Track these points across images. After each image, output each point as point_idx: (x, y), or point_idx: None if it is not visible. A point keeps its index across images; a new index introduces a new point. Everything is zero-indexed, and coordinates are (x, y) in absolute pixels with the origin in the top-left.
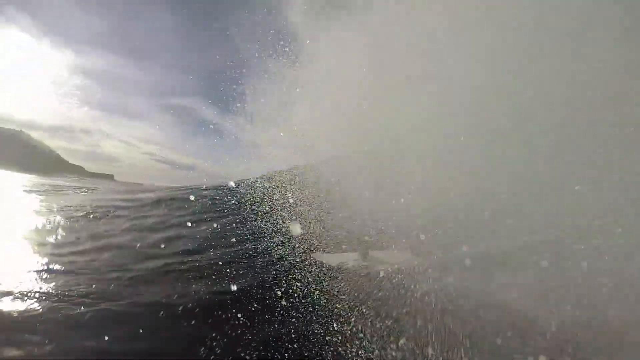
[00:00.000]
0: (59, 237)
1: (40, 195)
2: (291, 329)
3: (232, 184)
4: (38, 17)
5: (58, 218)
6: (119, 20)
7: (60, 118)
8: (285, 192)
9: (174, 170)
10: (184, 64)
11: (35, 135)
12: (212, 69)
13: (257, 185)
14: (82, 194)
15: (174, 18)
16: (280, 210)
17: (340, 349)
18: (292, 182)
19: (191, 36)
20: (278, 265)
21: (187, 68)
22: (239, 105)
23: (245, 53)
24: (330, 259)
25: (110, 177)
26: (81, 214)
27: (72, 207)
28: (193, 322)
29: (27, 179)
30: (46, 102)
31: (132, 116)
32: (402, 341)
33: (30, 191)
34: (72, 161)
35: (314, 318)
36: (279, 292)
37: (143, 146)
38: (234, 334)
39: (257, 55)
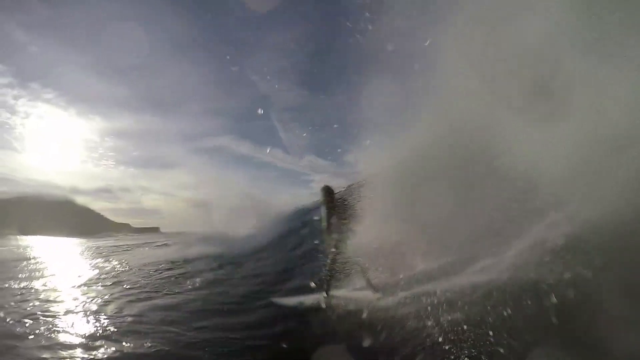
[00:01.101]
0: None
1: (113, 255)
2: None
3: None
4: (61, 90)
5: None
6: (136, 80)
7: (100, 180)
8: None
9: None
10: (210, 107)
11: (79, 199)
12: (239, 107)
13: None
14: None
15: (192, 68)
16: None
17: None
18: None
19: (212, 81)
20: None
21: (215, 110)
22: (272, 139)
23: (264, 89)
24: (290, 302)
25: (156, 229)
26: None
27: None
28: None
29: (79, 242)
30: (84, 167)
31: (167, 166)
32: None
33: (102, 254)
34: (117, 220)
35: None
36: None
37: (180, 193)
38: None
39: (277, 89)
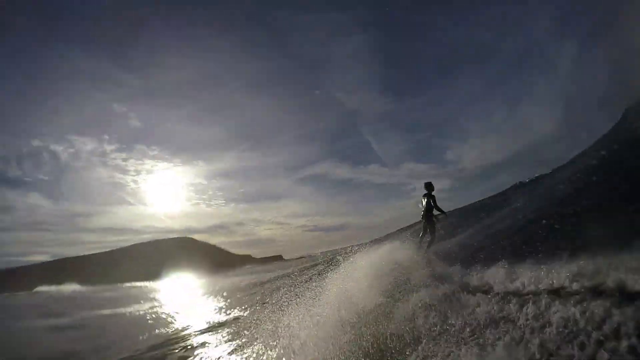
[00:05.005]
0: None
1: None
2: None
3: None
4: (163, 145)
5: None
6: (229, 121)
7: (213, 218)
8: None
9: (328, 234)
10: (303, 134)
11: (197, 237)
12: (330, 128)
13: None
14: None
15: (277, 102)
16: None
17: None
18: None
19: (299, 108)
20: None
21: (308, 136)
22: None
23: (352, 105)
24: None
25: (279, 257)
26: None
27: None
28: None
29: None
30: (197, 209)
31: (275, 198)
32: None
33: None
34: (238, 252)
35: None
36: None
37: (293, 221)
38: None
39: (366, 103)
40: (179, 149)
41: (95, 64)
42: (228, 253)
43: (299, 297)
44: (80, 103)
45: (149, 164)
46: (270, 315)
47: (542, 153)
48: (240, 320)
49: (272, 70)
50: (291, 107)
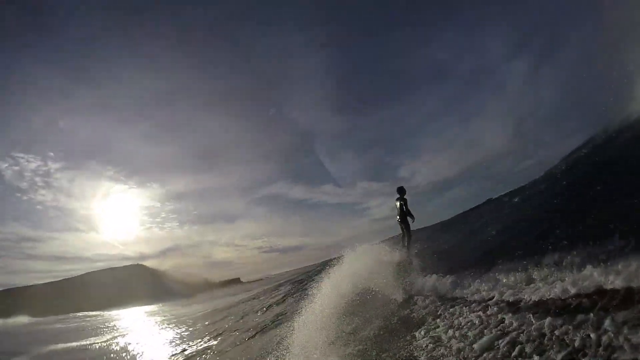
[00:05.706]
0: None
1: None
2: None
3: None
4: (119, 165)
5: None
6: (186, 144)
7: (167, 242)
8: None
9: (285, 255)
10: (257, 154)
11: (148, 264)
12: (284, 147)
13: None
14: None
15: (232, 120)
16: None
17: None
18: None
19: (254, 128)
20: None
21: (263, 156)
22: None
23: (306, 124)
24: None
25: (237, 280)
26: None
27: None
28: None
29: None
30: (150, 233)
31: (230, 219)
32: None
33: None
34: (194, 276)
35: None
36: None
37: (249, 243)
38: None
39: (320, 122)
40: (133, 170)
41: (45, 74)
42: (187, 275)
43: None
44: (28, 116)
45: (105, 186)
46: None
47: (493, 167)
48: (210, 352)
49: (230, 88)
50: (246, 126)
